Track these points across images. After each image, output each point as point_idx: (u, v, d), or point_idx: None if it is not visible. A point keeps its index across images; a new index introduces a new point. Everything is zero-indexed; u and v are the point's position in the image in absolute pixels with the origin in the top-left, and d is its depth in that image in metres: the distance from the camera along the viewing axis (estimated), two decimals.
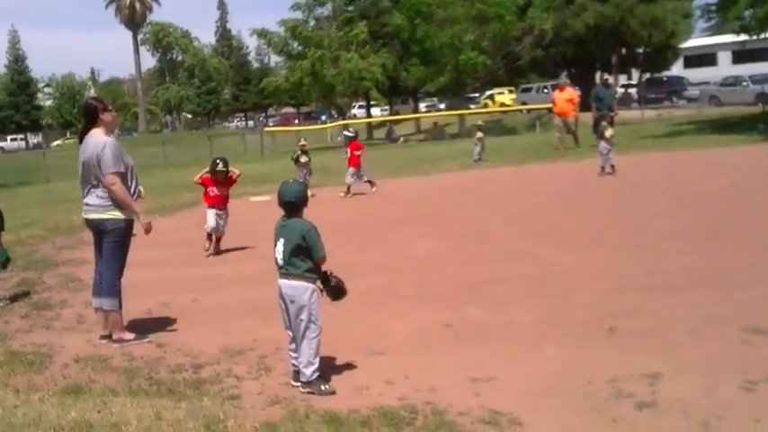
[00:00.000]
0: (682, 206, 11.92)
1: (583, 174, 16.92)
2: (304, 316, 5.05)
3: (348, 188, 16.63)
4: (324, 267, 5.16)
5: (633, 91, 50.09)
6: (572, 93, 24.08)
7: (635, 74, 56.54)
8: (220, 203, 10.73)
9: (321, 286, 5.15)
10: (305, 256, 5.06)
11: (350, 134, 17.45)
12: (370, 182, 16.80)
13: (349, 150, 17.31)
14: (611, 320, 6.15)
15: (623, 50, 50.22)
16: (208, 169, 10.80)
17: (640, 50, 50.96)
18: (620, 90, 47.37)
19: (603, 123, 17.91)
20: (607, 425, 4.33)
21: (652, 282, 7.41)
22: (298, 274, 5.07)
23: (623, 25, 44.15)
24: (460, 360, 5.53)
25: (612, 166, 16.22)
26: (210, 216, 10.57)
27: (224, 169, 10.64)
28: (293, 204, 5.15)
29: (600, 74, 33.12)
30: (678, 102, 46.13)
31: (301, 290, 5.07)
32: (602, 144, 16.46)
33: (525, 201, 14.09)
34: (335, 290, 5.18)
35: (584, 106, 24.67)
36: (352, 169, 16.89)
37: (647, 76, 54.39)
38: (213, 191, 10.72)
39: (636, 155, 19.73)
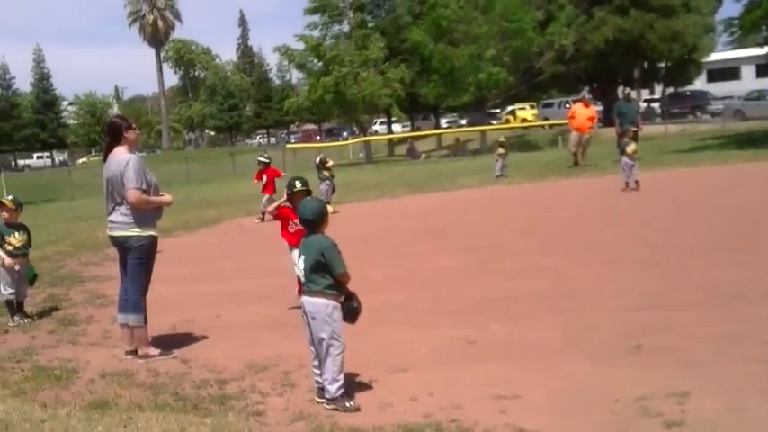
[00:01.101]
0: (705, 222, 11.83)
1: (605, 189, 16.84)
2: (326, 333, 5.06)
3: (263, 215, 15.42)
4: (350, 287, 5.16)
5: (656, 105, 49.84)
6: (593, 111, 24.00)
7: (657, 88, 56.33)
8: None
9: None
10: (325, 272, 5.08)
11: (264, 160, 16.99)
12: (263, 215, 15.54)
13: (265, 177, 16.83)
14: (636, 337, 6.10)
15: (645, 65, 50.02)
16: (284, 198, 7.67)
17: (662, 65, 50.74)
18: (643, 105, 47.19)
19: (625, 139, 17.83)
20: None
21: (675, 298, 7.35)
22: (318, 291, 5.09)
23: (643, 39, 43.94)
24: (485, 377, 5.51)
25: (636, 182, 16.13)
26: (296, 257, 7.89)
27: (304, 188, 7.30)
28: (311, 221, 5.20)
29: (622, 88, 32.92)
30: (702, 116, 45.86)
31: (322, 306, 5.08)
32: (625, 159, 16.38)
33: (547, 216, 14.04)
34: (351, 313, 5.17)
35: (606, 121, 24.59)
36: (266, 195, 16.29)
37: (670, 90, 54.14)
38: (295, 225, 7.42)
39: (659, 170, 19.61)
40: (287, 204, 7.62)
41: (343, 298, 5.13)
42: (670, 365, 5.48)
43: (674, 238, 10.54)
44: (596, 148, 24.13)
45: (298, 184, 7.28)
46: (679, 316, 6.71)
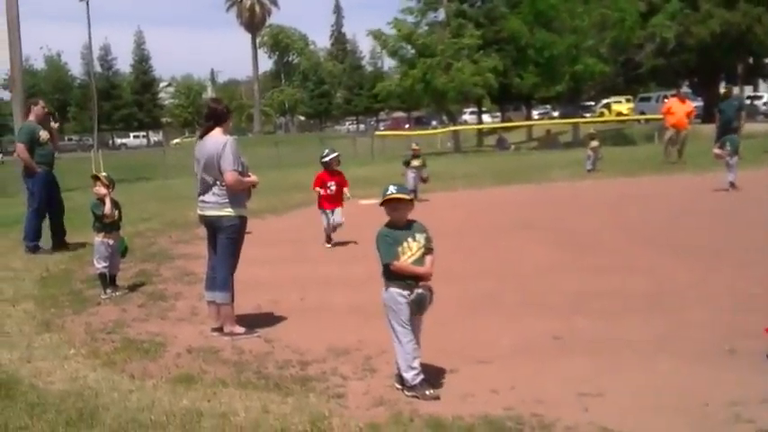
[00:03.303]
0: None
1: (703, 187, 16.22)
2: (388, 320, 5.06)
3: None
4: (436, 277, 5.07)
5: (760, 103, 47.86)
6: (691, 105, 23.20)
7: (763, 85, 54.11)
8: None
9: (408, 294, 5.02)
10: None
11: None
12: None
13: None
14: (731, 341, 5.85)
15: (750, 60, 48.06)
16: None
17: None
18: (746, 101, 45.42)
19: (726, 137, 17.15)
20: None
21: None
22: (384, 280, 5.09)
23: (750, 33, 42.20)
24: (569, 373, 5.37)
25: (732, 183, 15.50)
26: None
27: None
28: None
29: (724, 84, 31.82)
30: None
31: (384, 294, 5.07)
32: (729, 158, 15.75)
33: (641, 213, 13.63)
34: (417, 302, 5.00)
35: (707, 118, 23.76)
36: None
37: None
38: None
39: (762, 169, 18.81)
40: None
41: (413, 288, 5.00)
42: (765, 372, 5.22)
43: None
44: (695, 145, 23.32)
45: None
46: None
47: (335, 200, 11.47)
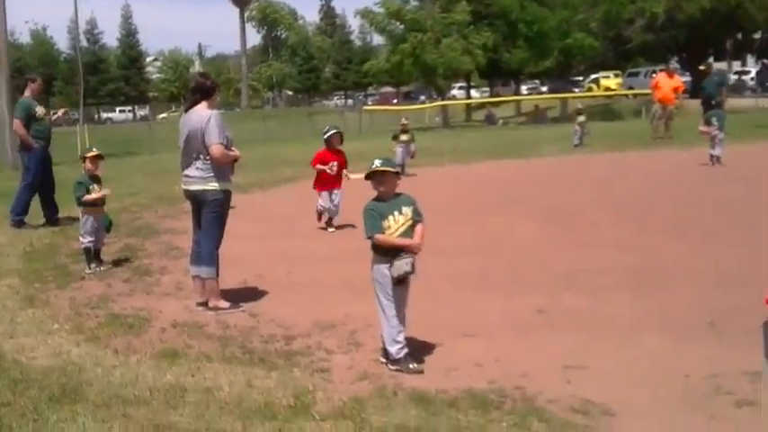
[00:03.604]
0: None
1: (690, 163, 16.26)
2: (375, 294, 5.08)
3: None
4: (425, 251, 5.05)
5: (748, 78, 47.93)
6: (679, 80, 23.23)
7: (750, 60, 54.17)
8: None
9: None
10: None
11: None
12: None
13: None
14: (715, 316, 5.90)
15: (739, 35, 48.06)
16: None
17: (757, 36, 48.67)
18: (734, 77, 45.44)
19: (711, 112, 17.20)
20: (705, 421, 4.15)
21: (759, 278, 7.02)
22: (373, 253, 5.09)
23: (740, 9, 42.12)
24: (553, 347, 5.40)
25: (717, 157, 15.60)
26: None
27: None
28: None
29: (711, 60, 31.82)
30: None
31: (373, 267, 5.07)
32: (718, 132, 15.80)
33: (628, 188, 13.66)
34: (397, 273, 4.95)
35: (695, 93, 23.81)
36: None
37: (763, 62, 51.98)
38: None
39: (749, 144, 18.87)
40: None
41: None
42: (747, 344, 5.22)
43: (761, 216, 10.10)
44: (682, 120, 23.35)
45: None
46: (760, 296, 6.40)
47: (335, 181, 10.55)
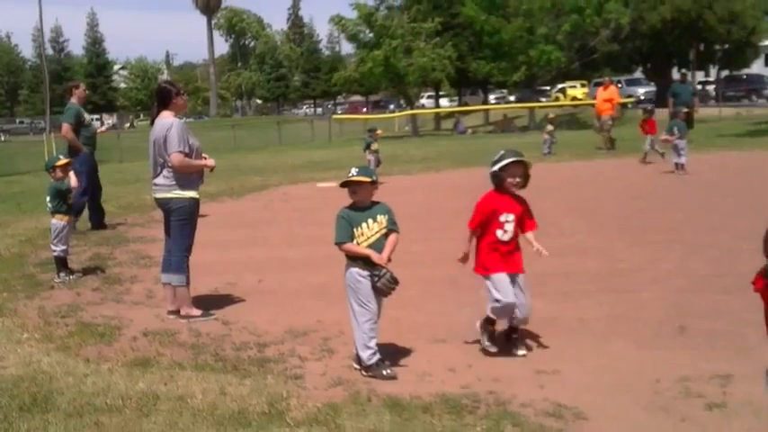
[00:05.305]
0: (759, 206, 11.51)
1: (655, 171, 16.53)
2: (349, 300, 5.09)
3: None
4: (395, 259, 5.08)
5: (710, 88, 48.74)
6: (614, 92, 23.99)
7: (713, 71, 55.05)
8: None
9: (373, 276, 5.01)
10: None
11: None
12: None
13: None
14: (683, 320, 5.99)
15: (701, 47, 48.85)
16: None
17: (719, 47, 49.51)
18: (698, 87, 46.17)
19: (672, 122, 17.53)
20: (675, 424, 4.21)
21: (726, 282, 7.17)
22: (346, 259, 5.11)
23: (701, 21, 42.84)
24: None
25: (681, 165, 15.87)
26: None
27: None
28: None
29: (677, 70, 32.31)
30: (757, 100, 44.86)
31: (346, 273, 5.10)
32: (678, 142, 16.11)
33: (595, 196, 13.83)
34: (377, 285, 5.00)
35: (660, 102, 24.28)
36: None
37: (726, 73, 52.90)
38: None
39: (713, 153, 19.21)
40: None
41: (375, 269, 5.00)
42: (715, 349, 5.36)
43: (728, 221, 10.30)
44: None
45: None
46: (728, 300, 6.54)
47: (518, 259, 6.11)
